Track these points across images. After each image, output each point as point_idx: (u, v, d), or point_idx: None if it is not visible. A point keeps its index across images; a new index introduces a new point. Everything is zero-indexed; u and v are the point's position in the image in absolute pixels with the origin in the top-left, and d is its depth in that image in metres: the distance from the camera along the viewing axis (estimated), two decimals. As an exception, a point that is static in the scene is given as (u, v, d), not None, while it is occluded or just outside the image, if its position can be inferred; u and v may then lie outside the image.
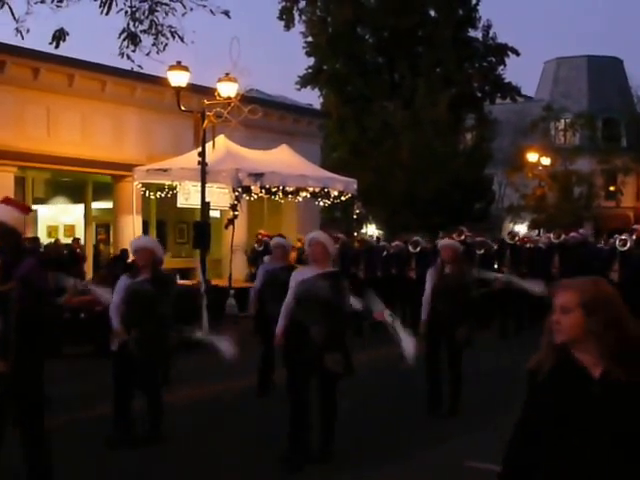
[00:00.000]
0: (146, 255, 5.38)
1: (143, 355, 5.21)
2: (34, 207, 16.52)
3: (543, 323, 2.16)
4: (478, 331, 6.60)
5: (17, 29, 12.27)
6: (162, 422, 5.49)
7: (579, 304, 2.01)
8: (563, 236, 12.22)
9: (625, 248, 10.65)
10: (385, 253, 12.84)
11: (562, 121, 32.51)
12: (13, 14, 12.08)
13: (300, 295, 4.92)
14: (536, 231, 25.36)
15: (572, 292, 2.03)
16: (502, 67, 28.70)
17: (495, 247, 13.01)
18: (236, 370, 7.79)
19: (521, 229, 28.11)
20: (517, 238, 12.39)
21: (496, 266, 12.50)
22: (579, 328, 2.01)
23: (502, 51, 28.44)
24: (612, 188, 33.17)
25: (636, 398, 1.97)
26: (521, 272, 11.29)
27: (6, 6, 11.88)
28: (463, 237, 12.20)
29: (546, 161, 27.10)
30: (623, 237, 10.98)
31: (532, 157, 26.54)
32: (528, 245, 12.52)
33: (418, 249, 12.39)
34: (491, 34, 28.37)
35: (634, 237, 11.30)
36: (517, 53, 28.61)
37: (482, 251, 12.25)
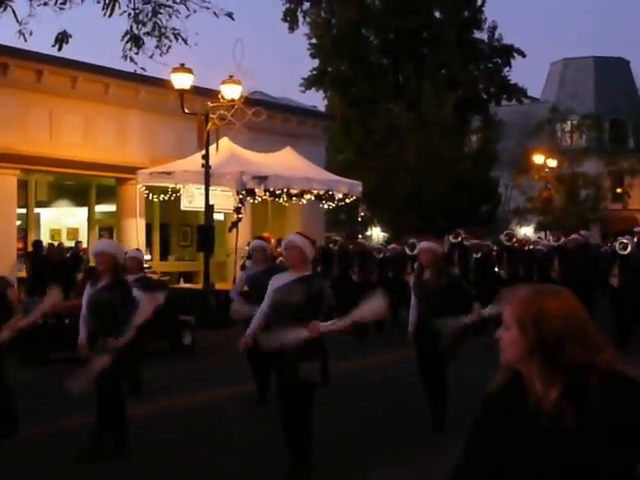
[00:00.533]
0: (106, 260, 5.15)
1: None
2: (37, 210, 16.47)
3: None
4: (464, 340, 6.16)
5: (20, 31, 12.16)
6: (127, 434, 5.24)
7: (515, 319, 1.72)
8: (562, 239, 11.75)
9: (626, 252, 10.11)
10: (381, 256, 12.48)
11: (568, 123, 32.33)
12: (16, 16, 12.00)
13: (276, 303, 4.74)
14: (541, 233, 25.19)
15: (510, 305, 1.75)
16: (508, 68, 28.58)
17: (494, 250, 12.63)
18: (236, 376, 7.72)
19: (527, 232, 27.94)
20: (514, 240, 11.90)
21: (496, 269, 12.22)
22: (517, 347, 1.71)
23: (508, 52, 28.30)
24: (619, 190, 32.97)
25: (589, 432, 1.62)
26: (518, 276, 11.03)
27: (9, 8, 11.91)
28: (460, 239, 11.84)
29: (552, 163, 26.94)
30: (624, 240, 10.44)
31: (538, 159, 26.38)
32: (527, 247, 12.11)
33: (415, 252, 12.22)
34: (497, 35, 28.26)
35: (635, 240, 10.90)
36: (523, 54, 28.48)
37: (479, 254, 11.79)
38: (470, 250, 11.91)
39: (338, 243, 13.84)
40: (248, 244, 12.59)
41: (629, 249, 10.03)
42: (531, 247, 12.57)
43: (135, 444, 5.32)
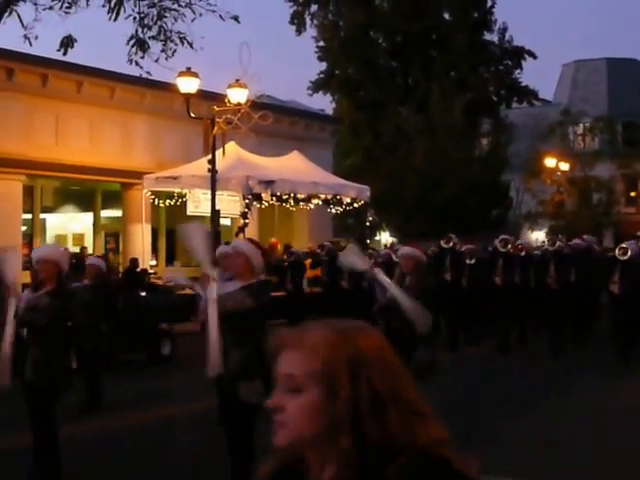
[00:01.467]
0: (48, 267, 4.69)
1: (36, 380, 4.50)
2: (43, 216, 16.40)
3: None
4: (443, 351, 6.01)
5: (25, 36, 12.17)
6: (59, 462, 4.54)
7: (317, 375, 1.13)
8: (558, 243, 11.12)
9: (626, 257, 9.58)
10: (372, 262, 12.15)
11: (581, 125, 31.95)
12: (21, 21, 11.98)
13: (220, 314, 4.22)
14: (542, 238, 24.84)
15: (304, 352, 1.14)
16: (519, 70, 28.30)
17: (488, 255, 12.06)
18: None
19: (539, 236, 27.61)
20: (509, 246, 11.00)
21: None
22: (318, 418, 1.13)
23: (519, 54, 28.01)
24: (633, 194, 32.53)
25: None
26: (513, 283, 10.59)
27: (14, 13, 11.81)
28: (451, 244, 11.33)
29: (564, 166, 26.60)
30: (623, 245, 9.98)
31: (550, 162, 26.05)
32: (523, 253, 11.31)
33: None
34: (507, 37, 27.99)
35: (639, 244, 10.48)
36: (534, 56, 28.19)
37: (472, 260, 11.14)
38: (463, 256, 11.38)
39: (326, 249, 13.36)
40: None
41: (629, 254, 9.56)
42: (526, 253, 11.74)
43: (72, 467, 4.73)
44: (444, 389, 5.83)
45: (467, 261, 11.21)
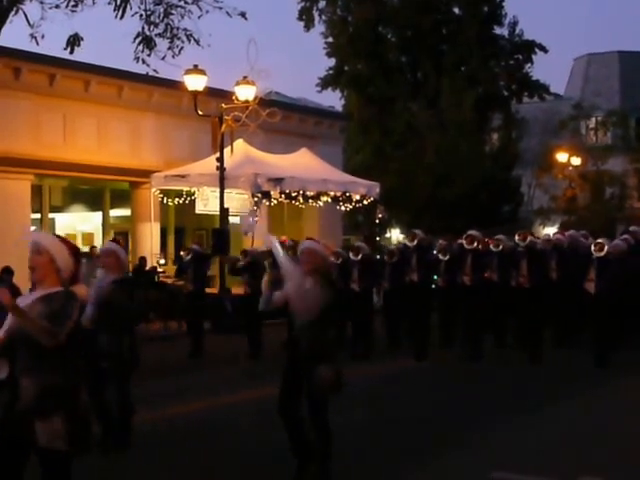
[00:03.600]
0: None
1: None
2: (52, 215, 16.37)
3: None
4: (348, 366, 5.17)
5: (32, 35, 12.10)
6: None
7: None
8: (530, 239, 9.83)
9: (602, 253, 8.89)
10: (340, 261, 10.41)
11: (593, 119, 31.61)
12: (28, 20, 11.91)
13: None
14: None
15: None
16: (529, 65, 27.98)
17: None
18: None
19: (551, 232, 27.35)
20: (476, 242, 9.88)
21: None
22: None
23: (529, 48, 27.72)
24: (645, 188, 32.15)
25: None
26: (482, 282, 9.70)
27: (21, 12, 11.74)
28: (416, 242, 10.06)
29: (576, 161, 26.32)
30: (599, 240, 9.26)
31: (562, 157, 25.79)
32: (495, 249, 10.19)
33: (394, 259, 10.40)
34: (517, 31, 27.69)
35: (623, 240, 9.74)
36: (545, 50, 27.88)
37: (447, 257, 10.26)
38: (431, 253, 10.46)
39: (249, 255, 11.44)
40: (186, 250, 11.50)
41: (605, 250, 8.88)
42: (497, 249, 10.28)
43: None
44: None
45: (442, 257, 10.33)
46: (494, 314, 10.25)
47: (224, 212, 13.84)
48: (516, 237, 9.88)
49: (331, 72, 27.24)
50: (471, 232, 10.12)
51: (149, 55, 12.05)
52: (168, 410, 6.89)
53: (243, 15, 12.60)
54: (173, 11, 12.33)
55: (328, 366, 4.49)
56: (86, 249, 15.84)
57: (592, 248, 9.08)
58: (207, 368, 9.44)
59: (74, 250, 3.38)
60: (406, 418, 6.67)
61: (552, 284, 9.92)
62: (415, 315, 10.02)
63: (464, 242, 10.00)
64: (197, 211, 15.64)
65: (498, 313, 10.36)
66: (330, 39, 26.83)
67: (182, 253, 11.75)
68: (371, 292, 10.77)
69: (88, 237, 17.02)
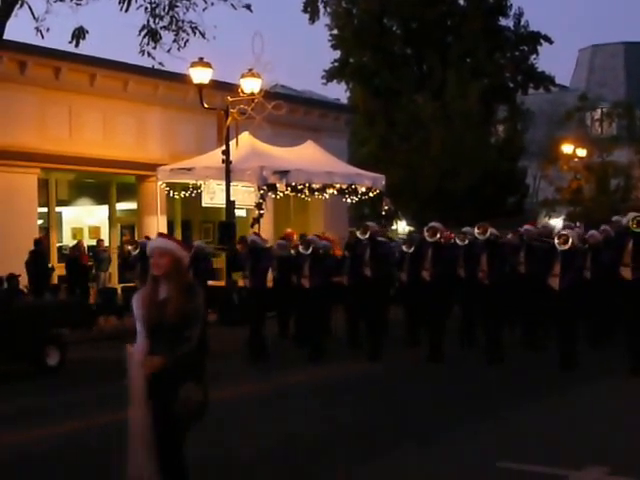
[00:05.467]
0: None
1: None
2: (58, 209, 16.41)
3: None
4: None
5: (37, 28, 12.06)
6: None
7: None
8: (491, 231, 8.97)
9: (566, 246, 8.18)
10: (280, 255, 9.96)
11: (598, 111, 31.47)
12: (33, 13, 11.89)
13: None
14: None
15: None
16: (535, 56, 27.84)
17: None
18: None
19: (557, 223, 27.29)
20: (438, 235, 9.18)
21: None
22: None
23: (535, 39, 27.58)
24: (651, 179, 31.99)
25: None
26: (444, 276, 9.13)
27: (25, 5, 11.72)
28: (368, 234, 9.29)
29: (582, 152, 26.22)
30: (564, 232, 8.64)
31: (567, 149, 25.70)
32: (461, 243, 9.56)
33: (308, 251, 9.61)
34: (523, 22, 27.53)
35: (602, 231, 9.34)
36: (550, 41, 27.74)
37: (411, 249, 9.62)
38: (383, 246, 9.68)
39: (194, 248, 10.33)
40: (133, 244, 11.12)
41: (570, 243, 8.17)
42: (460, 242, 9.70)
43: None
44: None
45: (406, 250, 9.71)
46: (463, 312, 9.70)
47: (230, 205, 13.85)
48: (475, 230, 9.03)
49: (336, 64, 27.16)
50: (433, 224, 9.40)
51: (154, 48, 12.01)
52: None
53: (248, 7, 12.54)
54: (178, 3, 12.28)
55: (191, 387, 3.66)
56: (93, 242, 15.94)
57: (556, 241, 8.36)
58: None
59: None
60: (406, 410, 6.67)
61: (519, 279, 9.36)
62: (368, 312, 9.35)
63: (425, 234, 9.25)
64: (203, 204, 15.65)
65: (465, 311, 9.82)
66: (335, 31, 26.73)
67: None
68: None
69: (95, 230, 17.07)
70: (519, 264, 9.55)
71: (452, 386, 7.73)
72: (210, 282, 10.96)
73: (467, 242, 9.48)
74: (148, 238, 11.62)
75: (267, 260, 9.91)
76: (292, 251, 10.72)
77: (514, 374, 8.16)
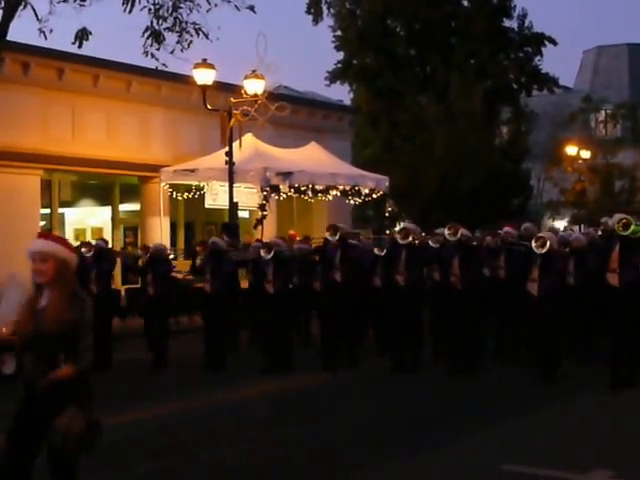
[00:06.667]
0: None
1: None
2: (61, 210, 16.40)
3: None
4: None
5: (40, 29, 12.08)
6: None
7: None
8: (462, 231, 8.33)
9: (544, 250, 7.57)
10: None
11: (602, 112, 31.40)
12: (36, 14, 11.88)
13: None
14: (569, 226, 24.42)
15: None
16: (539, 57, 27.73)
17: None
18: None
19: (560, 225, 27.22)
20: (412, 237, 8.51)
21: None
22: None
23: (539, 41, 27.49)
24: (656, 181, 31.91)
25: None
26: (420, 280, 8.57)
27: (29, 6, 11.71)
28: (337, 237, 8.71)
29: (586, 154, 26.19)
30: (541, 234, 7.95)
31: (571, 150, 25.67)
32: (434, 245, 8.96)
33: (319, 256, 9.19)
34: (527, 23, 27.42)
35: (586, 233, 8.96)
36: (554, 42, 27.65)
37: (383, 252, 9.16)
38: (355, 249, 9.15)
39: (151, 250, 9.94)
40: (87, 246, 9.96)
41: (547, 246, 7.56)
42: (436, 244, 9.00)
43: None
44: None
45: (378, 253, 9.28)
46: (437, 319, 9.10)
47: (233, 206, 13.82)
48: (446, 231, 8.47)
49: (339, 65, 27.12)
50: (406, 225, 8.98)
51: (158, 49, 12.02)
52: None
53: (252, 9, 12.53)
54: (182, 5, 12.29)
55: (75, 412, 3.20)
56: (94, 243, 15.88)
57: (533, 244, 7.71)
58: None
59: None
60: (411, 412, 6.63)
61: (499, 284, 8.82)
62: (338, 320, 8.74)
63: (397, 236, 8.58)
64: (206, 205, 15.64)
65: (440, 318, 9.17)
66: (338, 32, 26.69)
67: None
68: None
69: (97, 232, 17.05)
70: (499, 268, 8.97)
71: (452, 392, 7.66)
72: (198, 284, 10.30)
73: (438, 245, 8.82)
74: (103, 240, 10.87)
75: (229, 263, 9.39)
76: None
77: (516, 378, 8.05)
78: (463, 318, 8.21)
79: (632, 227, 7.11)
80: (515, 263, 8.60)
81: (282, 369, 8.52)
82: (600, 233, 9.38)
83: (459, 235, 8.23)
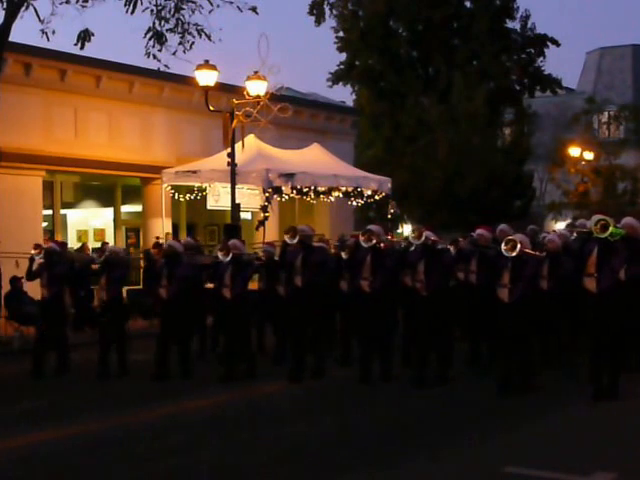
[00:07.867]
0: None
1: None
2: (63, 212, 16.39)
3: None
4: None
5: (42, 30, 12.09)
6: None
7: None
8: (427, 234, 7.89)
9: (514, 253, 7.06)
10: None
11: (605, 113, 31.36)
12: (38, 15, 11.89)
13: None
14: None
15: None
16: (542, 59, 27.75)
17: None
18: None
19: (563, 227, 27.15)
20: (375, 241, 7.88)
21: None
22: None
23: (541, 42, 27.49)
24: (659, 183, 31.83)
25: None
26: (387, 285, 7.96)
27: (31, 7, 11.71)
28: (296, 240, 8.15)
29: (589, 156, 26.13)
30: (511, 237, 7.31)
31: (574, 152, 25.61)
32: (402, 247, 8.44)
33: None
34: (530, 25, 27.44)
35: (560, 235, 8.49)
36: (557, 44, 27.64)
37: (348, 255, 8.65)
38: (318, 252, 8.55)
39: (107, 250, 9.50)
40: (37, 248, 9.49)
41: (517, 249, 7.05)
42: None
43: None
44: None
45: (344, 256, 8.79)
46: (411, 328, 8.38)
47: (235, 208, 13.80)
48: (410, 234, 8.14)
49: (342, 67, 27.13)
50: (370, 227, 8.15)
51: (160, 50, 12.05)
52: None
53: (254, 10, 12.54)
54: (184, 6, 12.30)
55: None
56: (98, 245, 15.89)
57: (502, 247, 7.17)
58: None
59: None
60: (412, 416, 6.60)
61: (471, 290, 8.44)
62: (296, 327, 8.25)
63: (360, 239, 7.92)
64: (208, 207, 15.62)
65: (406, 324, 8.71)
66: (341, 34, 26.71)
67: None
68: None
69: (100, 233, 17.05)
70: (471, 273, 8.55)
71: (453, 399, 7.63)
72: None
73: (413, 248, 8.03)
74: (60, 243, 10.37)
75: (186, 267, 8.85)
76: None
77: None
78: (428, 325, 7.74)
79: (610, 229, 6.63)
80: (487, 268, 8.03)
81: (242, 378, 8.17)
82: (575, 235, 8.89)
83: (423, 239, 7.76)
